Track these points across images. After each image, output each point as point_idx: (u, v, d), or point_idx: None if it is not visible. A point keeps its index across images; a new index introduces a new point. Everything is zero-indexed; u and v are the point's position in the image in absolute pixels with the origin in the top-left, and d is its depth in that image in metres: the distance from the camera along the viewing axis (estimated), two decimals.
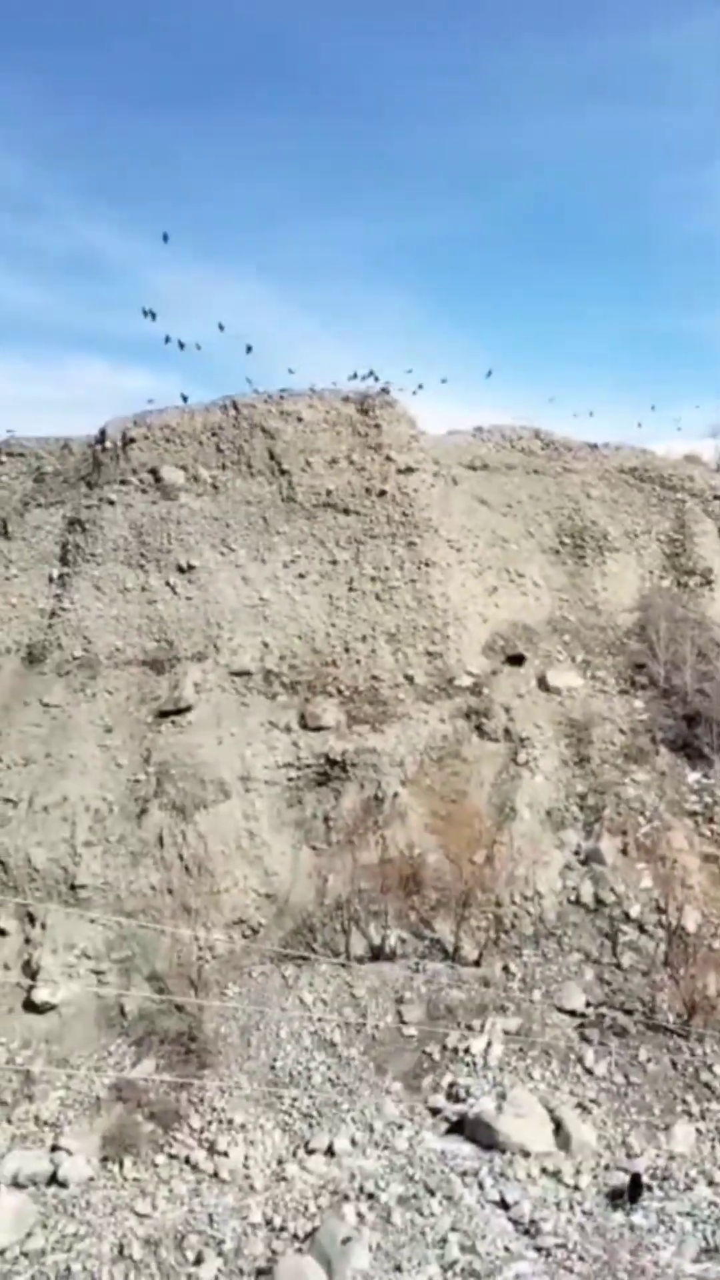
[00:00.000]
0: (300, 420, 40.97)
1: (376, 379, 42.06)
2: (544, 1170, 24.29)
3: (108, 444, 40.92)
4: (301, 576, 38.26)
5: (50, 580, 38.21)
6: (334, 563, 38.62)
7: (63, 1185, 24.54)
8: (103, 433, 41.60)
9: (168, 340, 41.49)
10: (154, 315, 39.86)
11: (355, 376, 42.07)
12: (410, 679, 36.05)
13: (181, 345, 41.04)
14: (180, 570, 37.80)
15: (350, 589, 37.86)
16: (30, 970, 28.93)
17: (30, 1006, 28.32)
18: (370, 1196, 23.65)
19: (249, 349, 42.88)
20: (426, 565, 38.35)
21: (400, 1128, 25.69)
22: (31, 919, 29.92)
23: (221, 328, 52.91)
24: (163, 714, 34.56)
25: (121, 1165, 25.08)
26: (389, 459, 40.40)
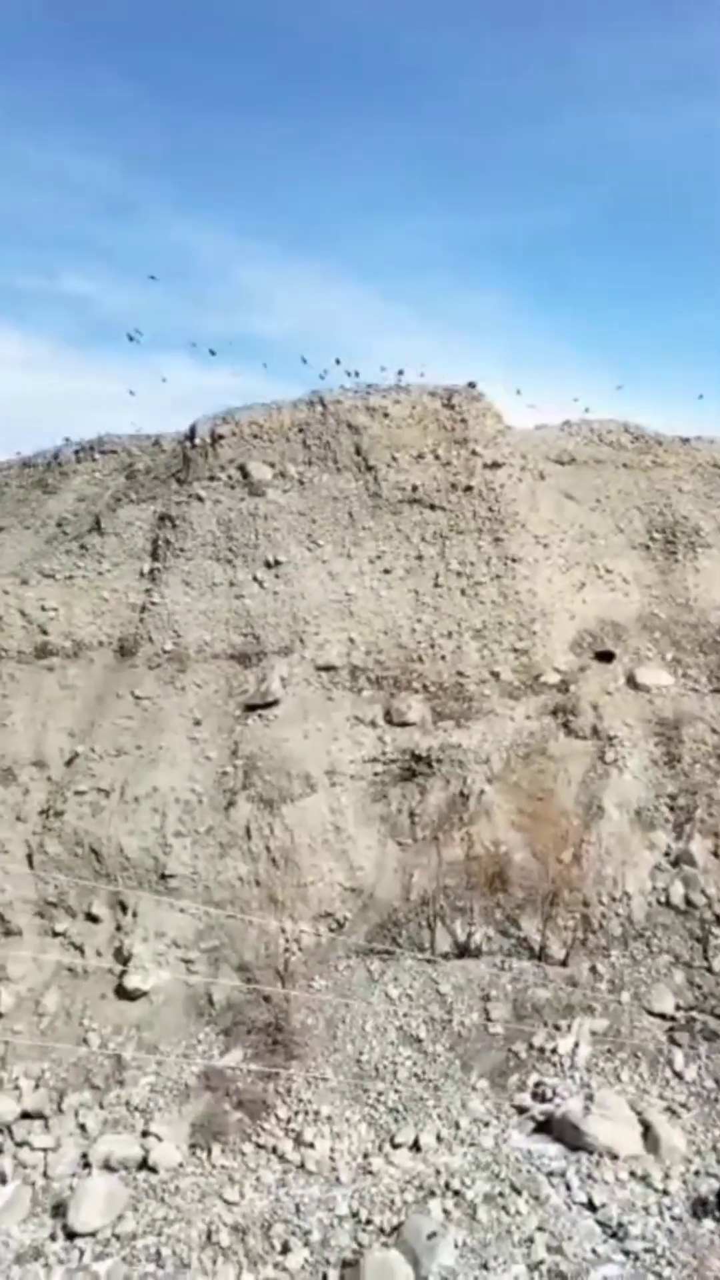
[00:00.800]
0: (386, 416, 41.01)
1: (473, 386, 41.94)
2: (632, 1173, 23.99)
3: (197, 441, 41.45)
4: (387, 572, 38.28)
5: (141, 575, 38.81)
6: (420, 558, 38.57)
7: (153, 1170, 24.92)
8: (192, 430, 42.15)
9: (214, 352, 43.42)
10: (138, 336, 41.91)
11: (472, 385, 41.95)
12: (496, 675, 35.83)
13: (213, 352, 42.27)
14: (267, 565, 38.13)
15: (436, 585, 37.77)
16: (122, 957, 29.46)
17: (122, 993, 28.80)
18: (456, 1193, 23.60)
19: (304, 360, 43.59)
20: (513, 561, 38.08)
21: (486, 1125, 25.57)
22: (123, 907, 30.46)
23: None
24: (250, 707, 34.89)
25: (210, 1153, 25.40)
26: (475, 454, 40.24)
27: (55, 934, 30.23)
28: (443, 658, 36.10)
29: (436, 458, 39.97)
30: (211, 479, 40.28)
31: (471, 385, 42.14)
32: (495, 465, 39.79)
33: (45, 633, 36.84)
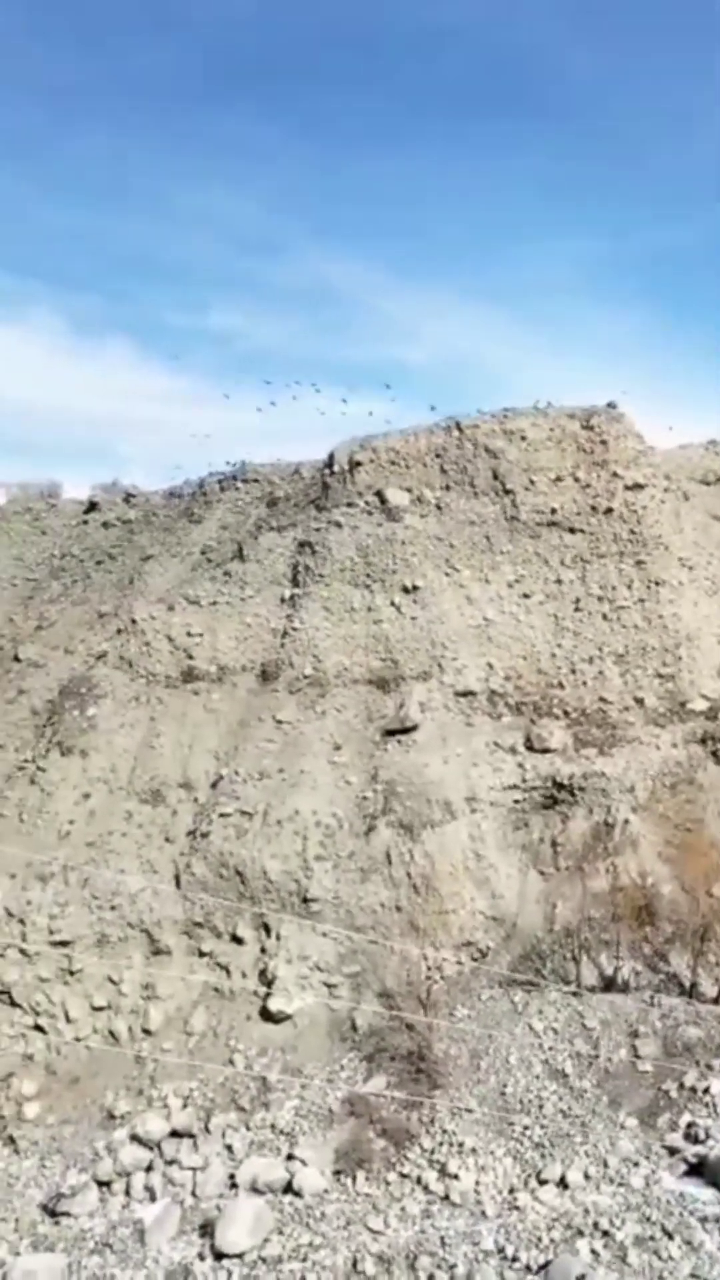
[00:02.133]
0: (524, 438, 40.78)
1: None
2: None
3: (335, 468, 42.02)
4: (526, 596, 37.98)
5: (282, 601, 39.48)
6: (559, 582, 38.15)
7: (298, 1194, 25.07)
8: (331, 457, 42.75)
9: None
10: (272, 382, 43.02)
11: (612, 405, 41.45)
12: (640, 701, 35.09)
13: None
14: (405, 591, 38.27)
15: (576, 609, 37.27)
16: (266, 979, 29.86)
17: (266, 1015, 29.19)
18: (605, 1234, 22.96)
19: (432, 408, 43.58)
20: (656, 584, 37.29)
21: (636, 1165, 24.85)
22: (267, 929, 30.88)
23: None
24: (389, 732, 35.01)
25: (354, 1180, 25.42)
26: (616, 475, 39.62)
27: (202, 954, 30.86)
28: (584, 683, 35.56)
29: (576, 480, 39.51)
30: (350, 505, 40.74)
31: (611, 405, 41.57)
32: (637, 486, 39.10)
33: (191, 658, 37.82)
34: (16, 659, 41.39)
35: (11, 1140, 27.70)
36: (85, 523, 50.97)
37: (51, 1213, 25.58)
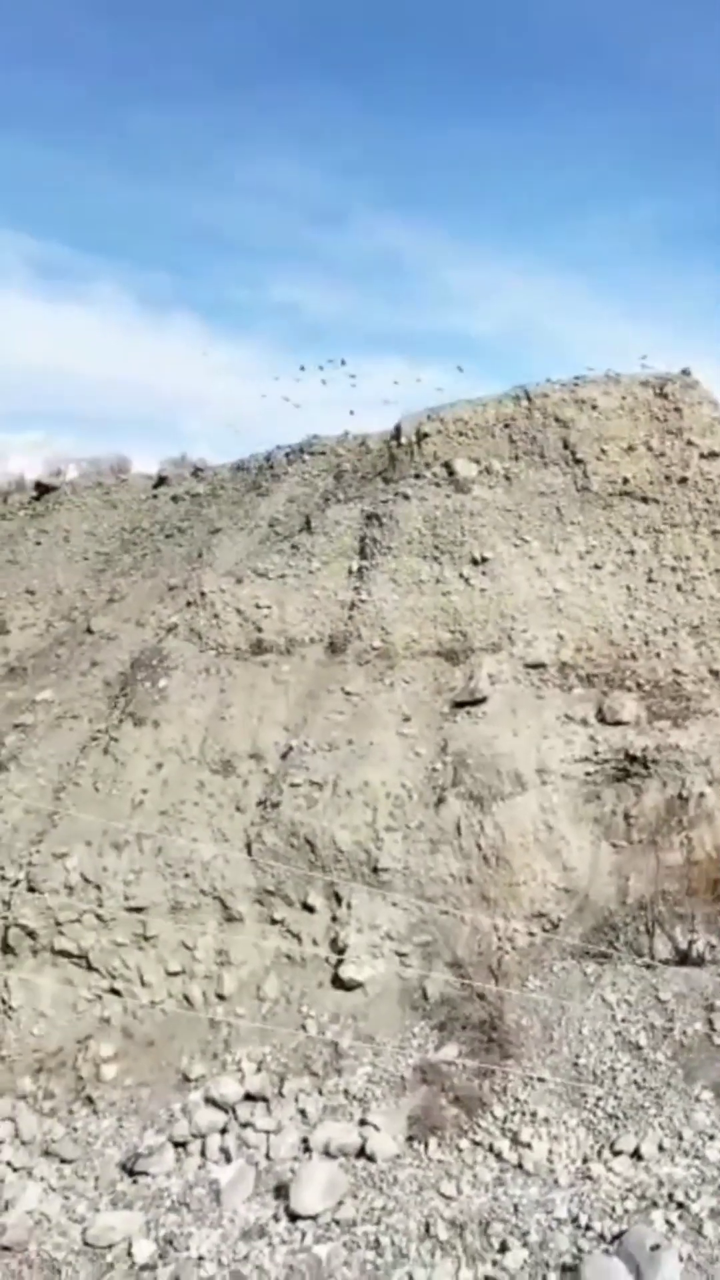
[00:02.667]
0: (595, 407, 40.16)
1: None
2: None
3: (403, 440, 41.80)
4: (597, 568, 37.50)
5: (350, 573, 39.45)
6: (631, 553, 37.59)
7: (371, 1159, 25.32)
8: (398, 429, 42.52)
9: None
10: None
11: (686, 373, 40.42)
12: (716, 674, 34.51)
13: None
14: (474, 562, 37.99)
15: (649, 580, 36.71)
16: (337, 947, 30.07)
17: (337, 982, 29.42)
18: (680, 1206, 22.88)
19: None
20: None
21: (711, 1138, 24.62)
22: (338, 898, 31.06)
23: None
24: (458, 704, 34.88)
25: (427, 1146, 25.59)
26: (690, 444, 38.86)
27: (274, 921, 31.17)
28: (657, 655, 35.05)
29: (649, 449, 38.84)
30: (417, 477, 40.52)
31: (685, 373, 40.73)
32: (712, 455, 38.31)
33: (260, 629, 38.00)
34: (89, 631, 41.99)
35: (90, 1101, 28.28)
36: (155, 497, 51.41)
37: (130, 1171, 26.13)
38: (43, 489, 53.77)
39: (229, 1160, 26.16)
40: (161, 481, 52.23)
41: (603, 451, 39.20)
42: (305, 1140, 26.05)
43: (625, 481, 38.61)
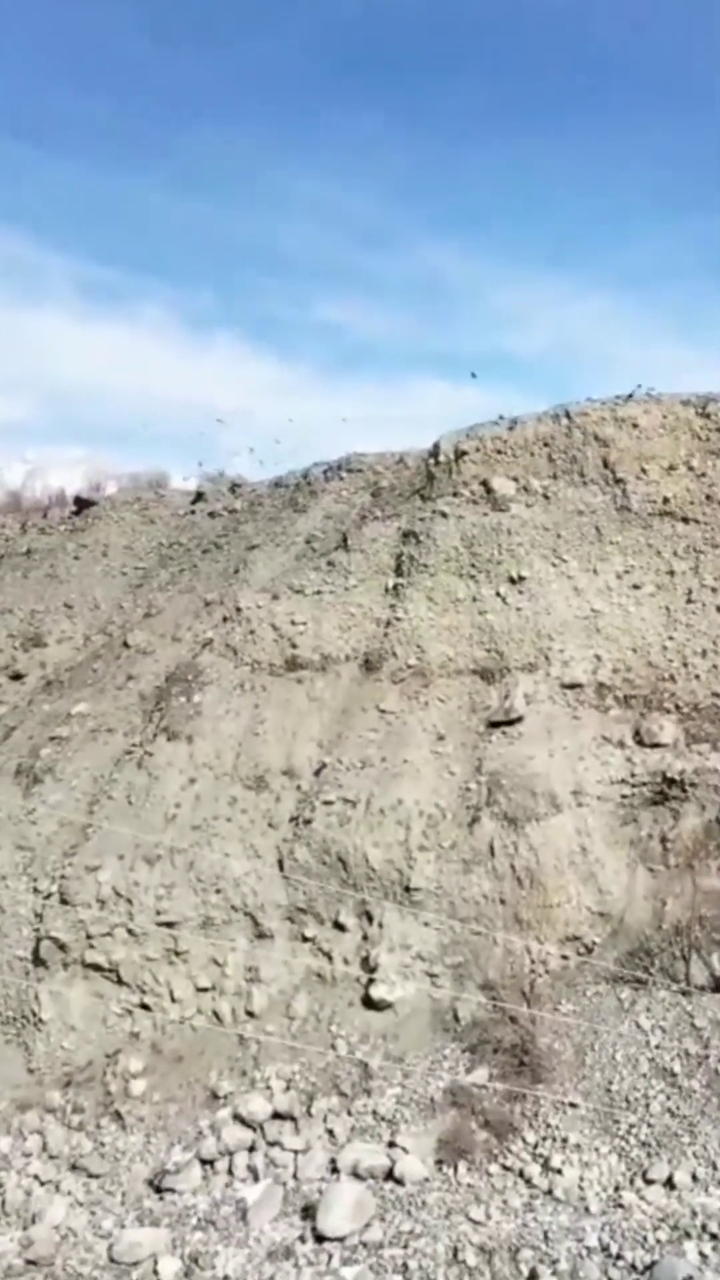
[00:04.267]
0: (635, 426, 39.89)
1: None
2: None
3: (441, 458, 41.75)
4: (636, 588, 37.15)
5: (386, 591, 39.40)
6: (671, 573, 37.20)
7: (399, 1182, 25.02)
8: (436, 447, 42.50)
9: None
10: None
11: None
12: None
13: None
14: (510, 581, 37.81)
15: (689, 601, 36.29)
16: (368, 966, 29.85)
17: (368, 1002, 29.19)
18: (713, 1236, 22.40)
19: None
20: None
21: None
22: (369, 916, 30.87)
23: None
24: (493, 724, 34.64)
25: (456, 1169, 25.26)
26: None
27: (305, 939, 31.04)
28: (696, 677, 34.57)
29: (690, 469, 38.50)
30: (455, 495, 40.46)
31: None
32: None
33: (295, 646, 38.03)
34: (126, 645, 42.23)
35: (118, 1116, 28.23)
36: (193, 512, 51.83)
37: (157, 1188, 26.02)
38: (82, 504, 54.48)
39: (256, 1179, 25.99)
40: (199, 497, 52.64)
41: (643, 471, 38.92)
42: (333, 1161, 25.81)
43: (665, 501, 38.28)
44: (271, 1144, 26.68)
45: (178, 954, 30.62)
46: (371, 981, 29.35)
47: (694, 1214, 23.08)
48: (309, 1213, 24.49)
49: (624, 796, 32.87)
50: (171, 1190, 25.83)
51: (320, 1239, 23.81)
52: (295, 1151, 26.32)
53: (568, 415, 40.79)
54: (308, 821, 32.85)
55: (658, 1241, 22.58)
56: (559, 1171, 24.76)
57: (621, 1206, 23.78)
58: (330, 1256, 23.43)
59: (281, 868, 32.23)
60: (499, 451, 40.84)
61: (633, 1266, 22.07)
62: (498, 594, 37.73)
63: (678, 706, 34.32)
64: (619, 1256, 22.40)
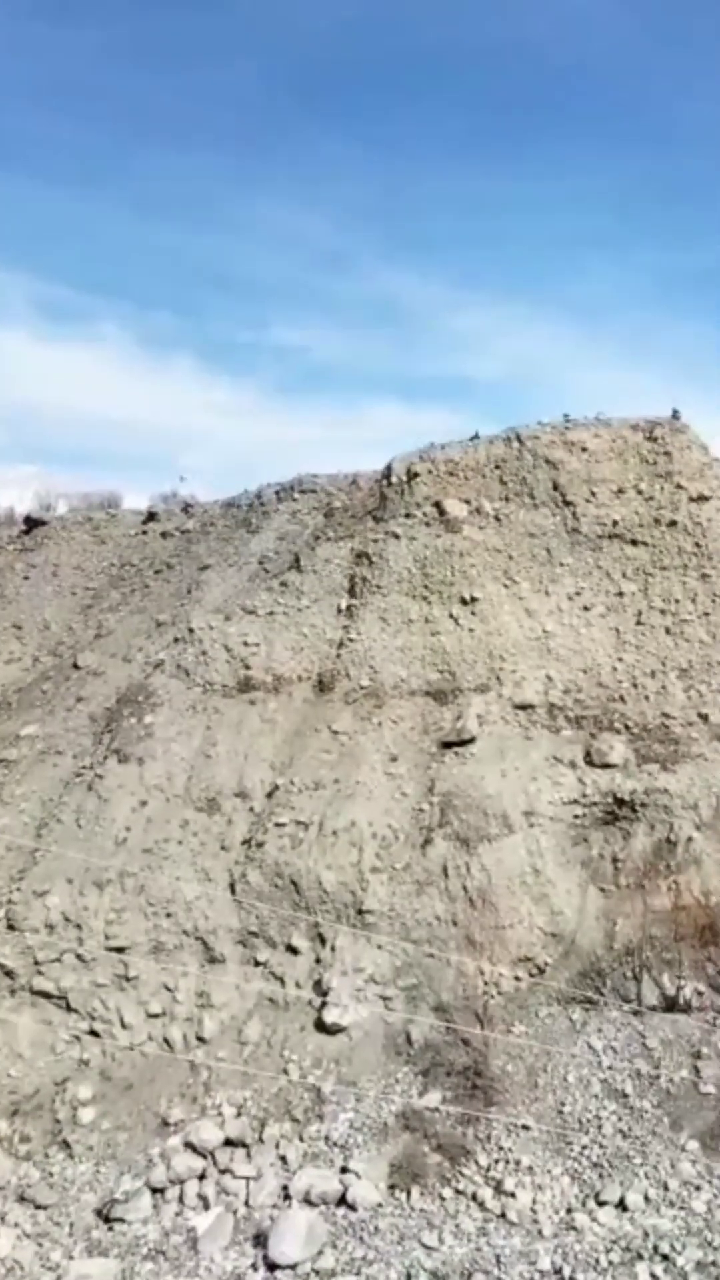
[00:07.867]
0: (585, 450, 40.44)
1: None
2: None
3: (393, 479, 41.97)
4: (586, 609, 37.56)
5: (339, 612, 39.44)
6: (620, 595, 37.69)
7: (352, 1208, 24.79)
8: (389, 468, 42.72)
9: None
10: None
11: (676, 415, 40.81)
12: (705, 717, 34.39)
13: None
14: (463, 602, 38.06)
15: (638, 622, 36.77)
16: (321, 990, 29.65)
17: (321, 1026, 28.95)
18: (665, 1258, 22.49)
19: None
20: None
21: (698, 1189, 24.30)
22: (322, 939, 30.70)
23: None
24: (446, 745, 34.75)
25: (409, 1194, 25.11)
26: (680, 487, 39.10)
27: (257, 963, 30.76)
28: (646, 698, 35.00)
29: (639, 492, 39.07)
30: (407, 516, 40.66)
31: (675, 416, 41.09)
32: (702, 499, 38.54)
33: (247, 667, 37.89)
34: (76, 666, 41.76)
35: (66, 1145, 27.67)
36: (144, 533, 51.48)
37: (105, 1218, 25.52)
38: (32, 523, 53.79)
39: (207, 1207, 25.61)
40: (151, 517, 52.31)
41: (592, 494, 39.44)
42: (285, 1187, 25.51)
43: (615, 524, 38.80)
44: (223, 1171, 26.30)
45: (128, 980, 30.18)
46: (324, 1005, 29.13)
47: (646, 1235, 23.15)
48: (260, 1240, 24.17)
49: (576, 817, 33.11)
50: (121, 1220, 25.34)
51: (272, 1267, 23.49)
52: (247, 1179, 25.97)
53: (519, 438, 41.25)
54: (260, 844, 32.64)
55: (610, 1264, 22.60)
56: (512, 1194, 24.71)
57: (574, 1229, 23.79)
58: None
59: (234, 891, 31.97)
60: (451, 474, 41.15)
61: None
62: (450, 615, 37.94)
63: (628, 727, 34.70)
64: (572, 1279, 22.39)
